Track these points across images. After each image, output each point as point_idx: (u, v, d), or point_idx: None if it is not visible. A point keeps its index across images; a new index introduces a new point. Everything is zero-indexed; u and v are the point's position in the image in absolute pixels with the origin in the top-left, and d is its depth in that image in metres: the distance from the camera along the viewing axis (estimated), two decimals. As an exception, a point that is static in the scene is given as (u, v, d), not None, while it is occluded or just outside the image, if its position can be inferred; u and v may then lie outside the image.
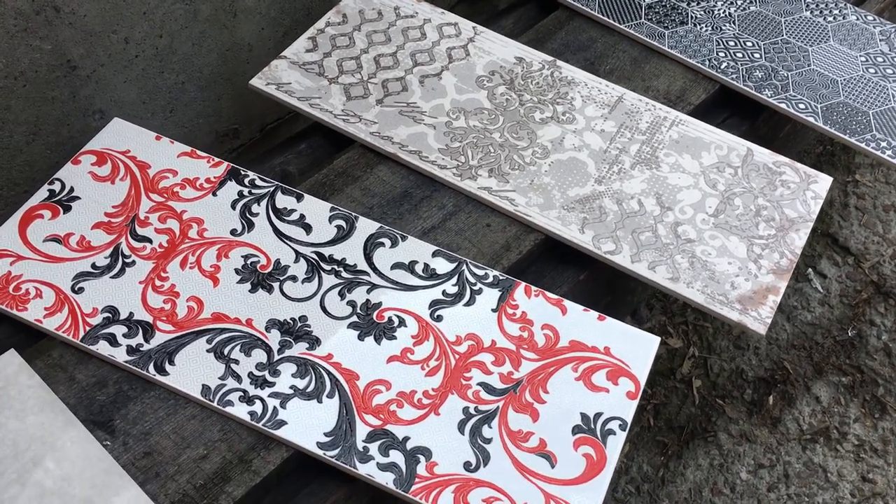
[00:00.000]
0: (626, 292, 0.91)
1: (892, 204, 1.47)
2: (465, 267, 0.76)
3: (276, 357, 0.69)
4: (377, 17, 0.96)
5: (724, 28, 1.00)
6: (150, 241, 0.75)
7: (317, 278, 0.75)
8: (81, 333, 0.69)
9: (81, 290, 0.72)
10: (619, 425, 0.68)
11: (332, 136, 0.88)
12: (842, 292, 1.37)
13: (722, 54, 0.97)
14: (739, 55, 0.97)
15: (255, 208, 0.79)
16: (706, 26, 1.00)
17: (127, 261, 0.74)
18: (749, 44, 0.98)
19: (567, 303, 0.75)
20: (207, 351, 0.69)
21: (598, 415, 0.69)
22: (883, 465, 1.23)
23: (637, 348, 0.73)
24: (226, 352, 0.69)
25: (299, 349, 0.70)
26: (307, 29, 0.94)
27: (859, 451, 1.25)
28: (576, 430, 0.68)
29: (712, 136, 0.89)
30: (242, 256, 0.75)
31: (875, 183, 1.47)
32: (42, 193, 0.77)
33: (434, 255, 0.77)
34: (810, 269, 1.38)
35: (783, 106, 0.92)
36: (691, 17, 1.00)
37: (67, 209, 0.76)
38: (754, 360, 1.36)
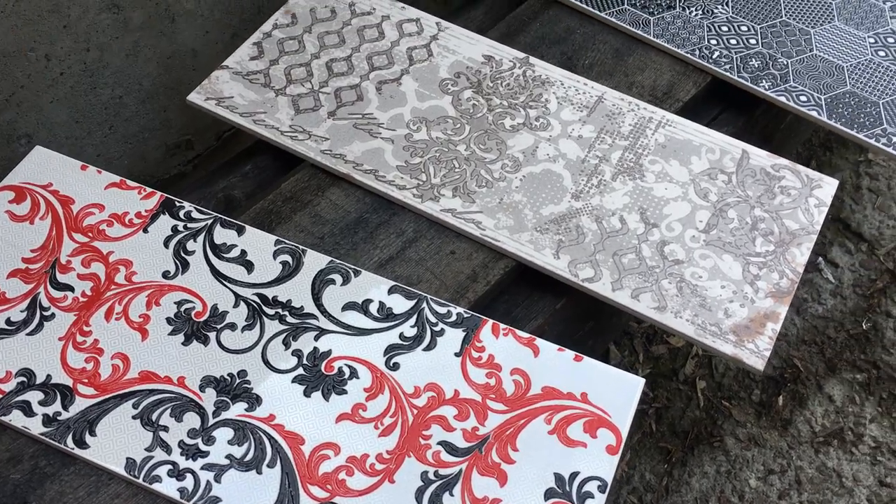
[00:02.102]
0: (611, 315, 0.82)
1: (907, 184, 1.37)
2: (425, 304, 0.68)
3: (211, 421, 0.62)
4: (330, 15, 0.87)
5: (715, 11, 0.90)
6: (71, 289, 0.68)
7: (258, 325, 0.67)
8: (-6, 402, 0.62)
9: (-5, 350, 0.64)
10: (599, 486, 0.60)
11: (280, 154, 0.80)
12: (855, 282, 1.27)
13: (714, 42, 0.87)
14: (733, 42, 0.87)
15: (190, 245, 0.71)
16: (696, 10, 0.90)
17: (45, 314, 0.66)
18: (744, 28, 0.88)
19: (540, 342, 0.67)
20: (133, 417, 0.62)
21: (574, 475, 0.61)
22: (901, 473, 1.15)
23: (618, 392, 0.64)
24: (154, 417, 0.62)
25: (237, 410, 0.63)
26: (256, 30, 0.85)
27: (876, 453, 1.17)
28: (549, 493, 0.60)
29: (703, 138, 0.80)
30: (175, 303, 0.68)
31: (889, 162, 1.37)
32: (-46, 238, 0.70)
33: (391, 291, 0.69)
34: (821, 259, 1.28)
35: (782, 99, 0.83)
36: (679, -1, 0.90)
37: (-19, 256, 0.69)
38: (761, 359, 1.28)
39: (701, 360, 1.27)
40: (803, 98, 0.83)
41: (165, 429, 0.61)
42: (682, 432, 1.21)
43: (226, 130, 1.02)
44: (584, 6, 0.90)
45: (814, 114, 0.82)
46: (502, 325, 0.68)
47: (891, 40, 0.88)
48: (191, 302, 0.68)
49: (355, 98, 0.81)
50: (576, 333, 0.78)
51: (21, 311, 0.66)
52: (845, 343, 1.24)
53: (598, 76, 0.86)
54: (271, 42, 0.85)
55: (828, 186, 0.77)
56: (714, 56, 0.86)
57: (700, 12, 0.90)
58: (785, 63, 0.85)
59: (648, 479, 1.19)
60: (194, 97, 0.80)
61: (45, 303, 0.67)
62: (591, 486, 0.60)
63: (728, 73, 0.85)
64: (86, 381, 0.63)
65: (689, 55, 0.86)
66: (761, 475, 1.18)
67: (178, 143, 0.98)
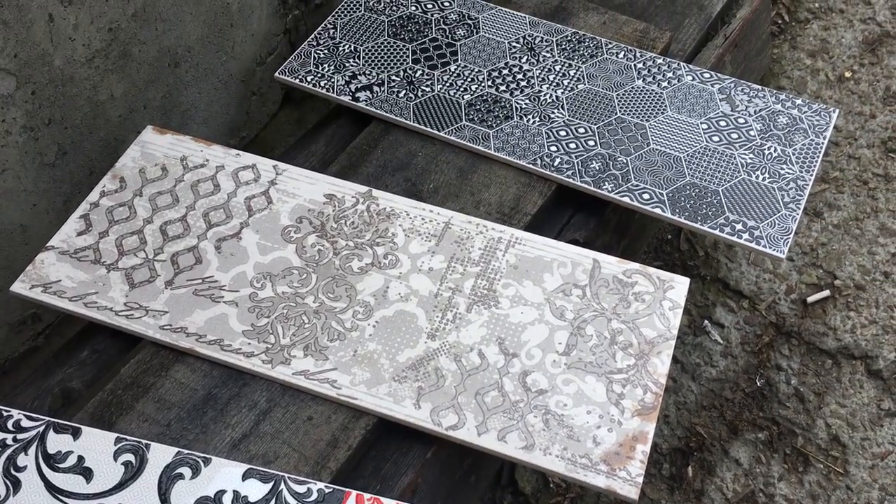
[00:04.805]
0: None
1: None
2: (283, 486, 0.64)
3: None
4: (161, 174, 0.84)
5: (552, 115, 0.90)
6: None
7: (102, 542, 0.61)
8: None
9: None
10: None
11: (120, 333, 0.75)
12: (742, 339, 1.29)
13: (554, 148, 0.87)
14: (573, 146, 0.88)
15: (21, 460, 0.65)
16: (533, 117, 0.90)
17: None
18: (582, 130, 0.89)
19: (408, 507, 0.64)
20: None
21: None
22: (814, 530, 1.15)
23: (494, 551, 0.62)
24: None
25: None
26: (93, 188, 0.81)
27: (790, 510, 1.17)
28: None
29: (553, 252, 0.79)
30: (7, 531, 0.62)
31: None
32: None
33: (245, 476, 0.65)
34: (706, 321, 1.30)
35: (626, 199, 0.83)
36: (516, 108, 0.91)
37: None
38: (666, 430, 1.27)
39: (607, 442, 1.26)
40: (646, 196, 0.83)
41: None
42: (599, 521, 1.19)
43: (75, 295, 0.97)
44: (423, 128, 0.89)
45: (658, 210, 0.82)
46: (367, 496, 0.64)
47: (723, 124, 0.90)
48: (24, 527, 0.62)
49: (193, 262, 0.78)
50: (455, 474, 0.76)
51: None
52: (743, 403, 1.25)
53: (445, 199, 0.85)
54: (99, 212, 0.81)
55: (679, 286, 0.77)
56: (556, 163, 0.86)
57: (538, 118, 0.90)
58: (625, 161, 0.86)
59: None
60: (18, 287, 0.75)
61: None
62: None
63: (571, 180, 0.85)
64: None
65: (531, 165, 0.86)
66: (683, 552, 1.16)
67: (22, 319, 0.92)
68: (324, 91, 0.93)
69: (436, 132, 0.89)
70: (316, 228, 0.80)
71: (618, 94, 0.92)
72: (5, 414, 0.67)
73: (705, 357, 1.28)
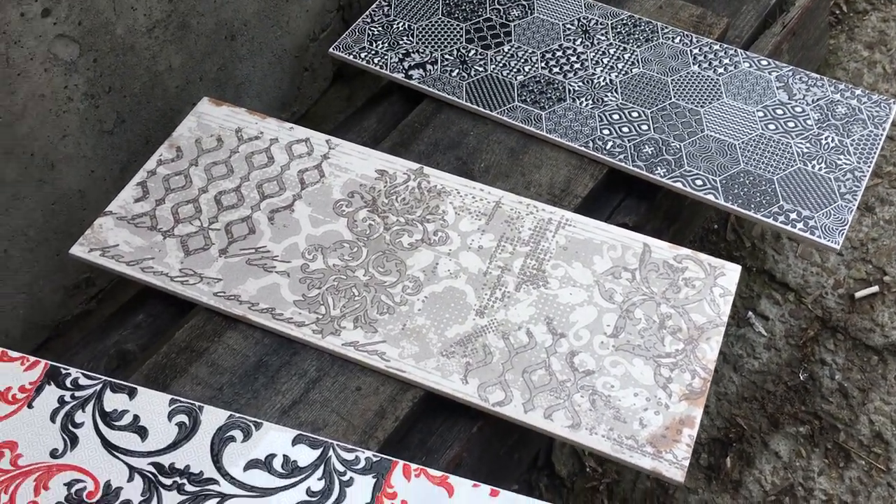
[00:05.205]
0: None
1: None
2: (331, 452, 0.65)
3: None
4: (216, 145, 0.85)
5: (606, 99, 0.90)
6: (-50, 484, 0.63)
7: (155, 499, 0.63)
8: None
9: None
10: None
11: (174, 297, 0.76)
12: (787, 332, 1.28)
13: (606, 132, 0.87)
14: (625, 130, 0.87)
15: (78, 417, 0.67)
16: (586, 100, 0.90)
17: (-78, 517, 0.62)
18: (635, 114, 0.88)
19: (453, 479, 0.64)
20: None
21: None
22: (853, 527, 1.14)
23: (538, 527, 0.62)
24: None
25: None
26: (145, 161, 0.83)
27: (828, 506, 1.16)
28: None
29: (603, 235, 0.79)
30: (65, 484, 0.63)
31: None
32: None
33: (295, 441, 0.66)
34: (750, 313, 1.29)
35: (679, 185, 0.83)
36: (569, 91, 0.90)
37: None
38: (705, 420, 1.26)
39: (645, 430, 1.26)
40: (699, 182, 0.83)
41: None
42: (635, 507, 1.19)
43: (128, 262, 0.99)
44: (476, 107, 0.89)
45: (711, 197, 0.82)
46: (413, 466, 0.65)
47: (779, 112, 0.89)
48: (82, 481, 0.64)
49: (247, 231, 0.79)
50: (499, 451, 0.76)
51: None
52: (785, 396, 1.24)
53: (495, 178, 0.85)
54: (156, 180, 0.82)
55: (731, 273, 0.76)
56: (608, 147, 0.86)
57: (591, 102, 0.90)
58: (678, 147, 0.85)
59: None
60: (77, 250, 0.77)
61: (-78, 504, 0.62)
62: None
63: (623, 164, 0.84)
64: (-32, 590, 0.59)
65: (583, 148, 0.86)
66: (718, 542, 1.16)
67: (76, 283, 0.94)
68: (377, 68, 0.93)
69: (488, 112, 0.89)
70: (367, 203, 0.81)
71: (672, 80, 0.91)
72: (64, 372, 0.69)
73: (748, 349, 1.26)
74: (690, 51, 0.94)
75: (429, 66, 0.93)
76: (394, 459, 0.65)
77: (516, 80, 0.91)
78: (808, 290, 1.29)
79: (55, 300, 0.93)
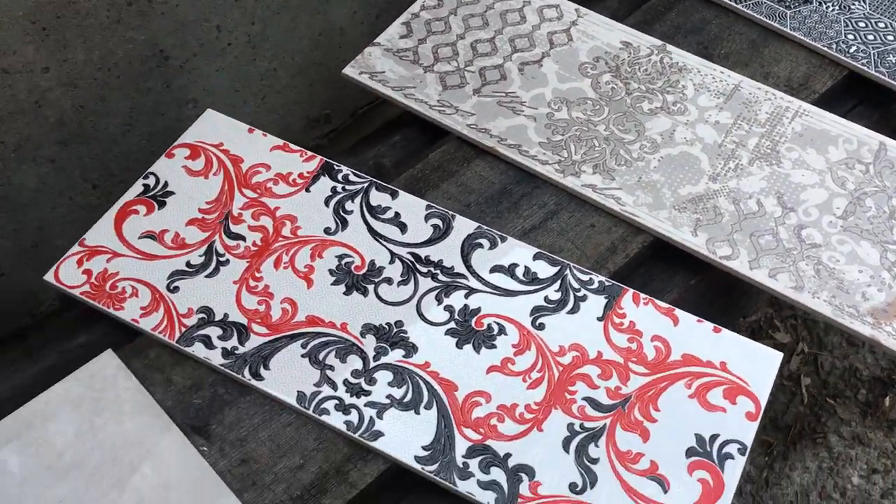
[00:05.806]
0: (741, 296, 0.84)
1: None
2: (568, 271, 0.72)
3: (372, 364, 0.67)
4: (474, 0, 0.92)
5: (853, 7, 0.91)
6: (243, 238, 0.74)
7: (413, 281, 0.71)
8: (177, 334, 0.68)
9: (177, 289, 0.70)
10: (739, 449, 0.63)
11: (427, 126, 0.84)
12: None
13: (851, 37, 0.88)
14: (871, 38, 0.88)
15: (348, 205, 0.76)
16: (833, 5, 0.91)
17: (221, 259, 0.72)
18: (881, 25, 0.89)
19: (679, 312, 0.70)
20: (302, 356, 0.67)
21: (714, 436, 0.64)
22: None
23: (757, 365, 0.67)
24: (321, 357, 0.67)
25: (395, 356, 0.67)
26: (400, 11, 0.90)
27: (983, 459, 1.16)
28: (690, 452, 0.63)
29: (840, 129, 0.81)
30: (336, 257, 0.73)
31: None
32: (137, 188, 0.76)
33: (535, 257, 0.73)
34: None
35: (921, 94, 0.84)
36: (816, -6, 0.92)
37: (162, 205, 0.75)
38: (869, 359, 1.27)
39: (806, 357, 1.28)
40: (942, 94, 0.84)
41: (331, 368, 0.67)
42: (785, 427, 1.22)
43: (360, 107, 1.08)
44: (720, -2, 0.92)
45: (953, 109, 0.83)
46: (642, 295, 0.71)
47: None
48: (350, 256, 0.73)
49: (499, 77, 0.85)
50: (711, 307, 0.81)
51: (199, 256, 0.72)
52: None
53: (734, 66, 0.88)
54: (419, 22, 0.90)
55: (967, 180, 0.78)
56: (851, 51, 0.87)
57: (837, 7, 0.91)
58: (924, 59, 0.86)
59: (748, 470, 1.20)
60: (349, 70, 0.86)
61: (221, 250, 0.73)
62: (732, 448, 0.63)
63: (865, 68, 0.86)
64: (259, 321, 0.69)
65: (825, 48, 0.88)
66: (864, 474, 1.18)
67: (318, 117, 1.04)
68: (626, -48, 0.97)
69: (732, 3, 0.92)
70: (611, 69, 0.86)
71: (924, -3, 0.91)
72: (336, 168, 0.78)
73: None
74: (945, -27, 0.93)
75: (677, -44, 0.96)
76: (624, 286, 0.71)
77: (763, -22, 0.93)
78: None
79: (298, 128, 1.03)
